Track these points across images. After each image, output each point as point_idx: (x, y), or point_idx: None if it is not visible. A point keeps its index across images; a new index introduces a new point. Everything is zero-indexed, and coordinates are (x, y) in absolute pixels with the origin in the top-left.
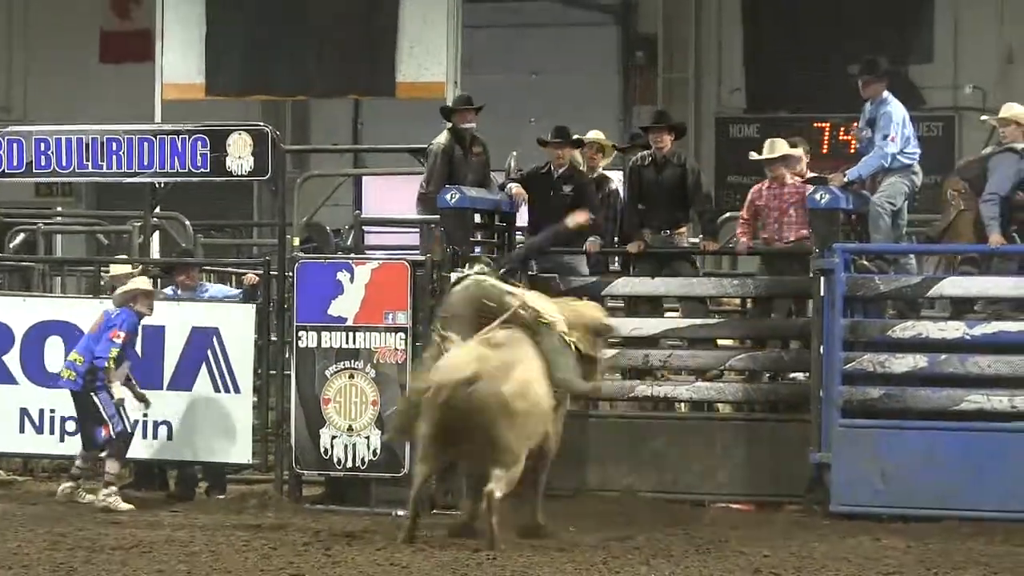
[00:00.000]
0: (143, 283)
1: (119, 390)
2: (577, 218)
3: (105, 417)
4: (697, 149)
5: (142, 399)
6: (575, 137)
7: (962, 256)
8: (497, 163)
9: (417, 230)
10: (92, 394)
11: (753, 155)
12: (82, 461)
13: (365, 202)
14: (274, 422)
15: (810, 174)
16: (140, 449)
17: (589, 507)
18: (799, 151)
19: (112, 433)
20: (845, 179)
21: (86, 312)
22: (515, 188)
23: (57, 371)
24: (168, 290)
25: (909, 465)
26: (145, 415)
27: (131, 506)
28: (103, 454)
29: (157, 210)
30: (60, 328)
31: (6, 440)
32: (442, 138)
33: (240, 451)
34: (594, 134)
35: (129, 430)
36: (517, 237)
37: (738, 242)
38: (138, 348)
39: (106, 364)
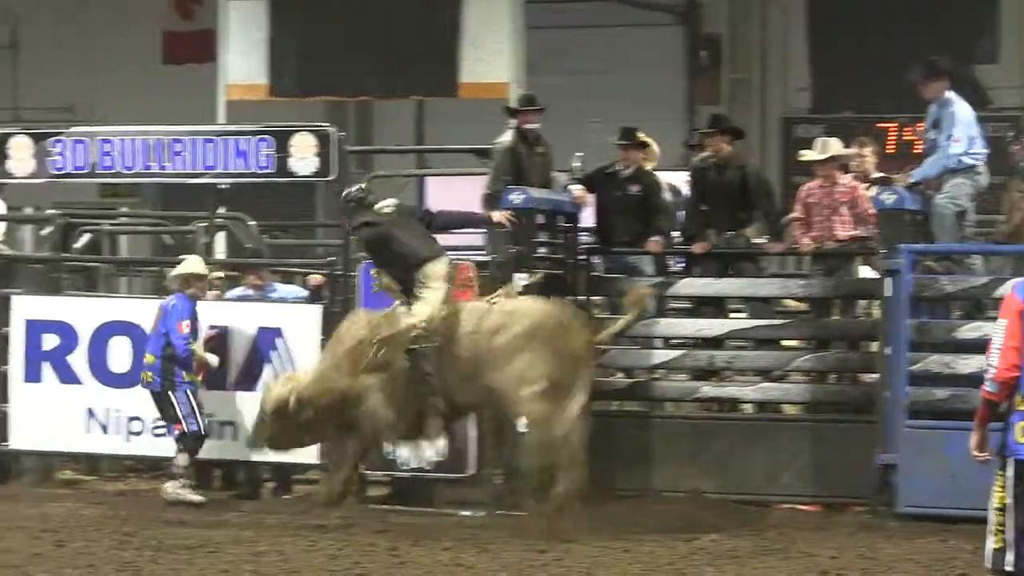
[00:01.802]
0: (196, 266)
1: (212, 357)
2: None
3: (180, 416)
4: (762, 150)
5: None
6: (642, 139)
7: None
8: (560, 164)
9: (481, 231)
10: (170, 392)
11: (804, 155)
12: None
13: (429, 202)
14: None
15: (846, 177)
16: (206, 449)
17: (655, 508)
18: (850, 151)
19: (185, 429)
20: (910, 180)
21: (151, 312)
22: (578, 189)
23: (123, 371)
24: (238, 290)
25: (976, 466)
26: (210, 415)
27: (203, 497)
28: (175, 448)
29: (221, 211)
30: (125, 328)
31: (72, 440)
32: (507, 137)
33: (306, 451)
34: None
35: (203, 431)
36: (580, 238)
37: (799, 242)
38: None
39: (191, 351)
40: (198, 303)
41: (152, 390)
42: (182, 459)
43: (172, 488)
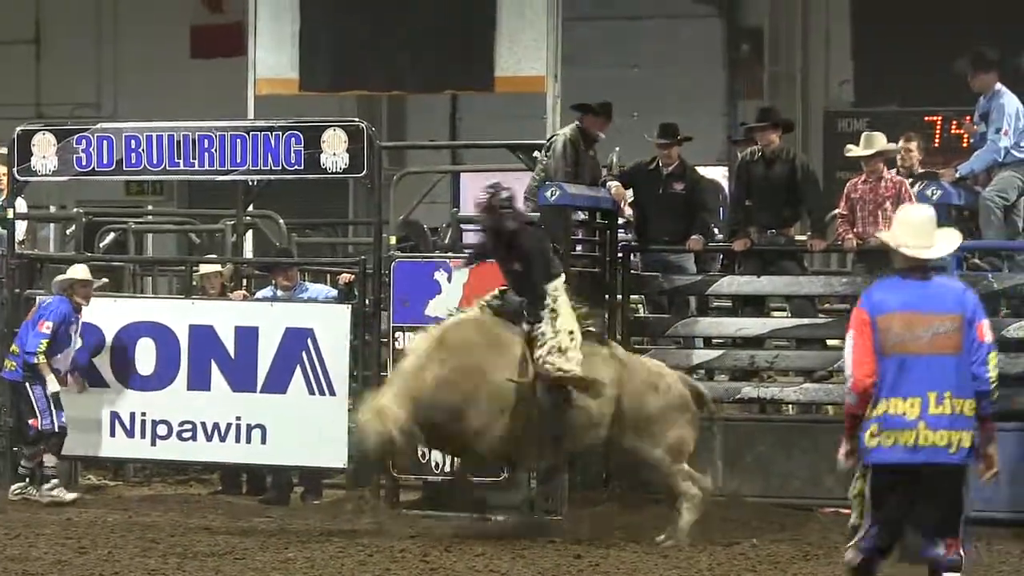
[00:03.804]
0: (79, 272)
1: (52, 383)
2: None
3: (36, 411)
4: (805, 144)
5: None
6: (681, 137)
7: None
8: (601, 157)
9: None
10: (27, 385)
11: (850, 150)
12: (27, 460)
13: (463, 199)
14: None
15: (891, 172)
16: (234, 453)
17: None
18: (895, 146)
19: (40, 427)
20: (956, 175)
21: (178, 313)
22: (615, 186)
23: (148, 373)
24: (267, 291)
25: (1021, 469)
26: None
27: (76, 495)
28: (38, 449)
29: (250, 208)
30: (151, 329)
31: (97, 444)
32: (568, 130)
33: (335, 455)
34: None
35: (56, 428)
36: (619, 235)
37: (844, 239)
38: (230, 349)
39: (35, 359)
40: (81, 311)
41: (13, 380)
42: (49, 459)
43: (46, 490)
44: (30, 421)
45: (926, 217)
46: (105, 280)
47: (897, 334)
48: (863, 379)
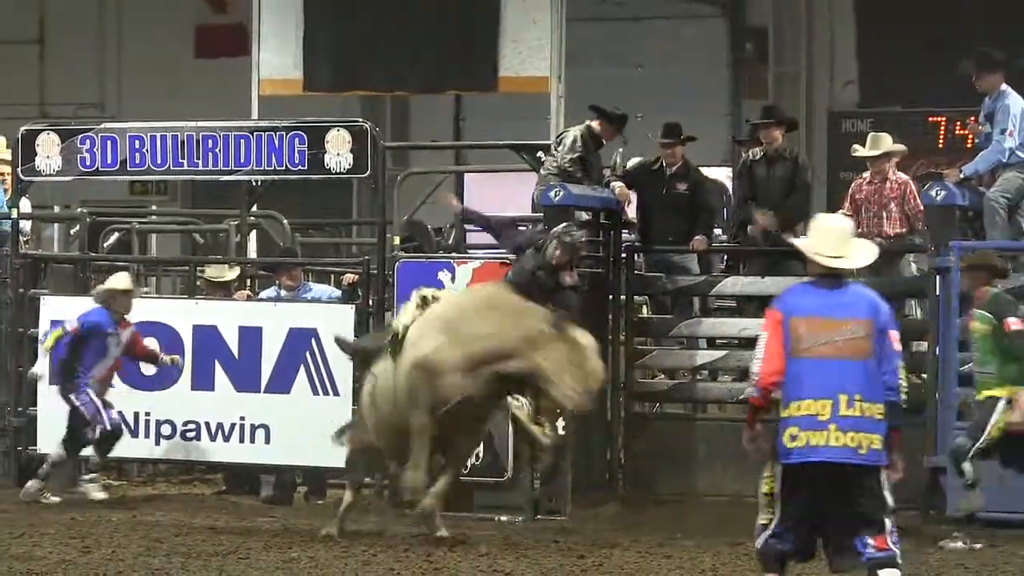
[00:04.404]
0: (120, 281)
1: (40, 366)
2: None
3: (88, 416)
4: (808, 144)
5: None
6: (685, 136)
7: None
8: (603, 159)
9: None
10: (70, 396)
11: (856, 150)
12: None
13: (467, 200)
14: None
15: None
16: (238, 453)
17: (697, 513)
18: (902, 147)
19: (98, 431)
20: (961, 175)
21: (182, 313)
22: (619, 187)
23: (152, 374)
24: (271, 291)
25: None
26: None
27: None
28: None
29: (254, 208)
30: (154, 329)
31: None
32: (578, 129)
33: (340, 455)
34: None
35: (110, 427)
36: (623, 235)
37: None
38: (234, 349)
39: (42, 343)
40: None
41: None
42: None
43: (84, 480)
44: (86, 431)
45: (842, 227)
46: (147, 289)
47: (809, 337)
48: (768, 376)
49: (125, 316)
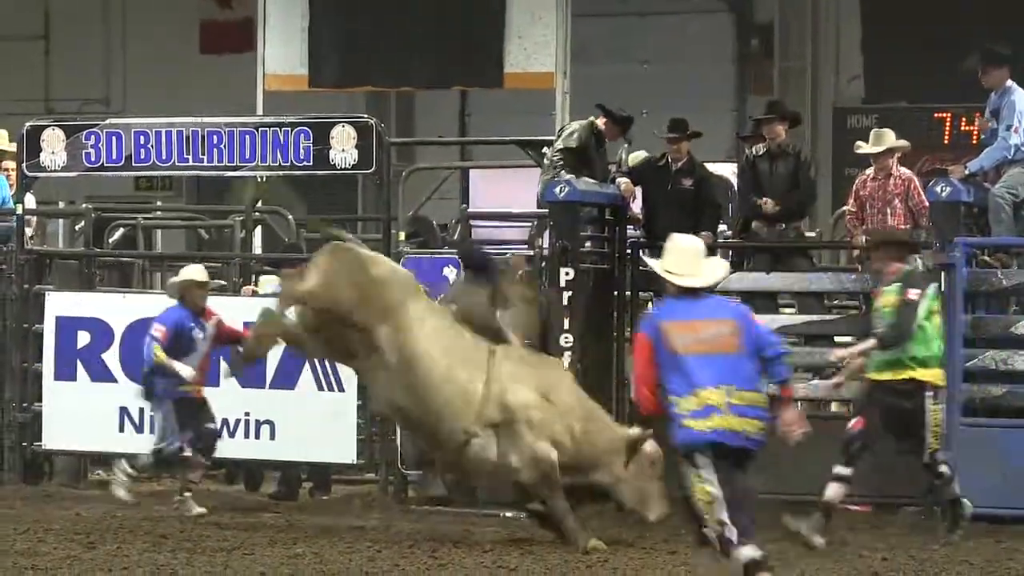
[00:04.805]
0: (193, 273)
1: (184, 369)
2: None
3: (164, 433)
4: (813, 140)
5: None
6: (691, 132)
7: None
8: (608, 155)
9: (525, 223)
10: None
11: (859, 147)
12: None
13: (472, 195)
14: (379, 421)
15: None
16: (242, 449)
17: None
18: (905, 143)
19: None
20: (966, 171)
21: None
22: (624, 182)
23: None
24: (275, 286)
25: None
26: (247, 414)
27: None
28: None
29: (259, 204)
30: None
31: (105, 440)
32: (583, 124)
33: (344, 451)
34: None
35: (178, 448)
36: (628, 231)
37: (853, 236)
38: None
39: (154, 362)
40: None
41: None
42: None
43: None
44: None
45: (693, 248)
46: (221, 282)
47: (687, 337)
48: (642, 391)
49: (205, 307)
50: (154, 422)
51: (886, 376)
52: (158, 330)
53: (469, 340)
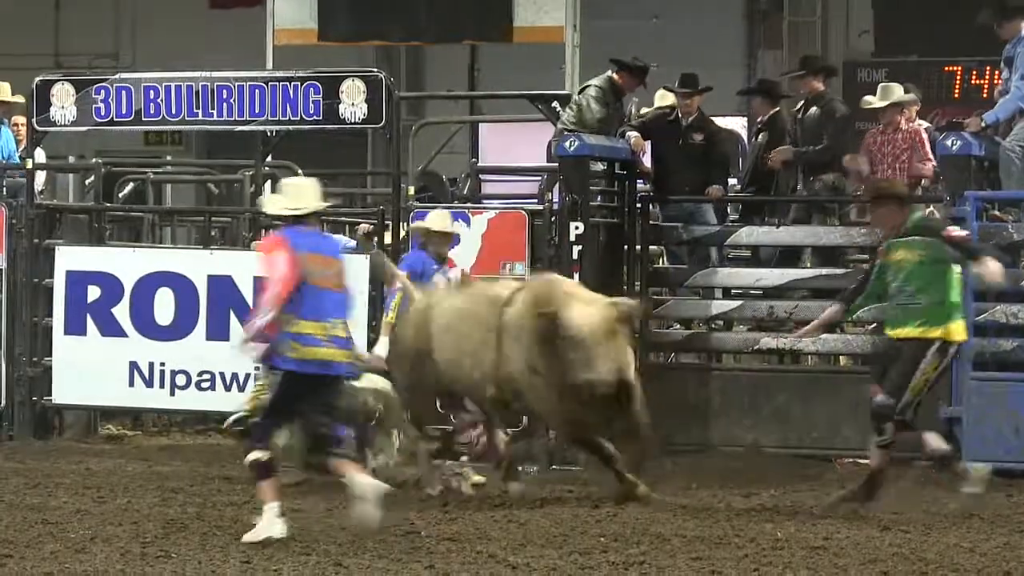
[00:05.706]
0: (433, 222)
1: (382, 345)
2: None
3: None
4: None
5: None
6: (703, 87)
7: None
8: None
9: (534, 178)
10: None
11: (866, 101)
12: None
13: (482, 150)
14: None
15: (918, 121)
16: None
17: (712, 463)
18: (912, 96)
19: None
20: (982, 123)
21: (197, 263)
22: (634, 136)
23: (167, 324)
24: None
25: None
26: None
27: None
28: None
29: (269, 159)
30: (169, 279)
31: (115, 394)
32: (600, 80)
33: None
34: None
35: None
36: (638, 185)
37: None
38: (249, 299)
39: (388, 315)
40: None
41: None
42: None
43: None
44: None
45: (301, 183)
46: (459, 232)
47: (313, 270)
48: (285, 294)
49: (448, 255)
50: None
51: (913, 332)
52: (400, 273)
53: None
